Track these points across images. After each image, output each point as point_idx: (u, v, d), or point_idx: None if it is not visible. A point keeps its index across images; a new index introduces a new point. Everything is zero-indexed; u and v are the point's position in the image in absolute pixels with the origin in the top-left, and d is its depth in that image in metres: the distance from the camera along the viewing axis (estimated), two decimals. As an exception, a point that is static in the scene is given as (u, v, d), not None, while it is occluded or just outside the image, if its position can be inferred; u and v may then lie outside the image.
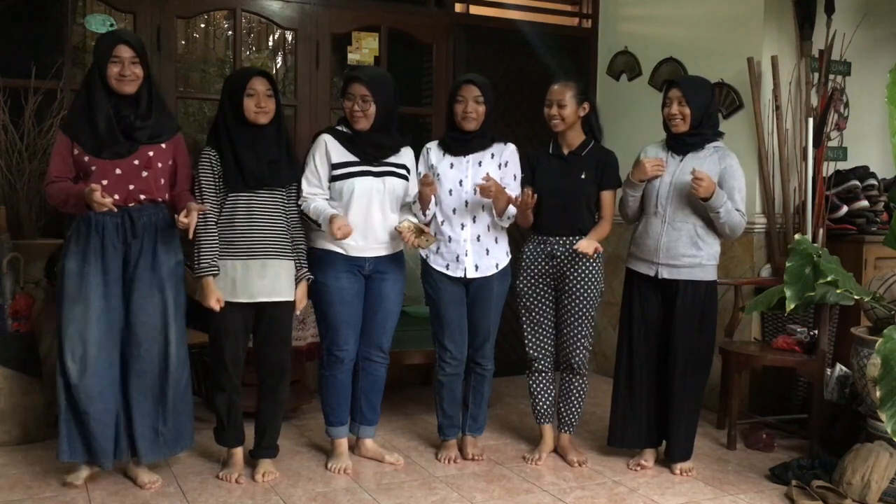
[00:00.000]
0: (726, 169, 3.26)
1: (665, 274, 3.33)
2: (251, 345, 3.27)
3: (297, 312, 3.27)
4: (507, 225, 3.41)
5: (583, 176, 3.39)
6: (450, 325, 3.40)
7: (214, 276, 3.05)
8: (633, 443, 3.49)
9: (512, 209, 3.34)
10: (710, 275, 3.33)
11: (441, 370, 3.45)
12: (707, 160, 3.28)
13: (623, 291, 3.51)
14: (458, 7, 4.93)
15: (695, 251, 3.28)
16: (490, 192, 3.20)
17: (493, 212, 3.35)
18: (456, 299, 3.40)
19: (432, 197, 3.28)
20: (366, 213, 3.22)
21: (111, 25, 4.22)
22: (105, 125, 2.94)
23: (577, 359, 3.47)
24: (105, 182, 2.91)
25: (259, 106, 3.07)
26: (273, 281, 3.12)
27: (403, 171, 3.31)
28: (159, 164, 3.03)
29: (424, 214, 3.33)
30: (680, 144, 3.33)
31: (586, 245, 3.24)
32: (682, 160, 3.31)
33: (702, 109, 3.26)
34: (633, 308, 3.45)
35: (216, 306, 3.04)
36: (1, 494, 3.02)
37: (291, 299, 3.20)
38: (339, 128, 3.30)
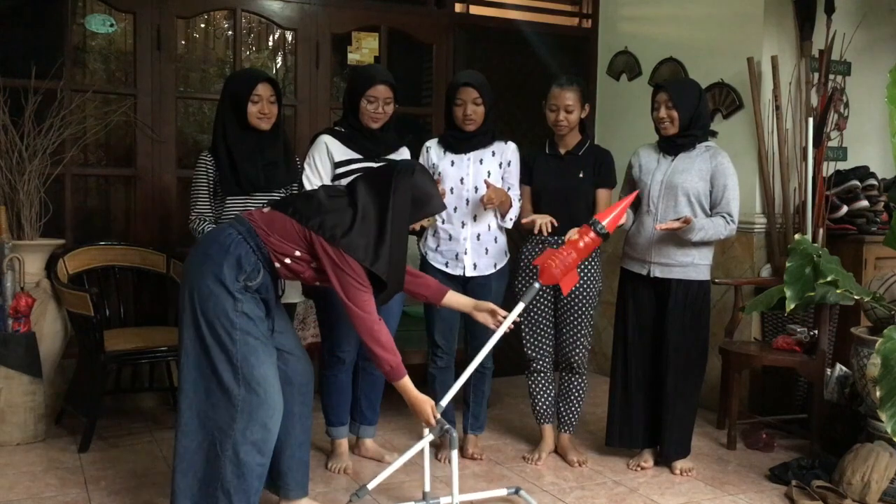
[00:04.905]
0: (717, 167, 3.27)
1: (657, 273, 3.33)
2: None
3: None
4: (509, 226, 3.41)
5: (581, 175, 3.39)
6: (442, 322, 3.42)
7: None
8: (630, 443, 3.50)
9: (514, 211, 3.35)
10: (702, 274, 3.33)
11: (433, 363, 3.48)
12: (698, 159, 3.29)
13: (617, 291, 3.52)
14: (458, 7, 4.92)
15: (686, 250, 3.28)
16: (493, 203, 3.21)
17: (497, 213, 3.37)
18: None
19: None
20: None
21: (111, 25, 4.22)
22: None
23: (576, 358, 3.47)
24: None
25: (262, 112, 3.09)
26: None
27: None
28: None
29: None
30: (670, 146, 3.35)
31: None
32: (673, 160, 3.33)
33: (690, 112, 3.27)
34: (627, 308, 3.45)
35: None
36: (1, 494, 3.02)
37: (291, 301, 3.22)
38: (338, 128, 3.30)
